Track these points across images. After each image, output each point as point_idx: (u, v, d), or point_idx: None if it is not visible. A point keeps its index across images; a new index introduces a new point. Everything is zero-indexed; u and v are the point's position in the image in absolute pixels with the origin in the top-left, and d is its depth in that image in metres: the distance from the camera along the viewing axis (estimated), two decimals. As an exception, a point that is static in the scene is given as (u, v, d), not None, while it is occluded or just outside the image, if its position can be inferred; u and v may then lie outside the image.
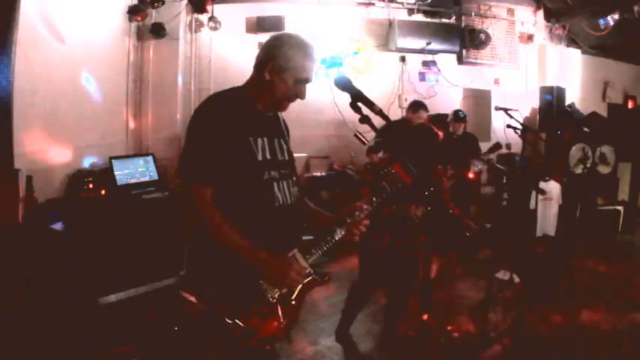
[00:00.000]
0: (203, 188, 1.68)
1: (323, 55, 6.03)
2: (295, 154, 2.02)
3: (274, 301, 1.76)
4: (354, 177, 5.85)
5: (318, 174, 6.08)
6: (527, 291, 4.30)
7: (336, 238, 1.90)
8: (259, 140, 1.78)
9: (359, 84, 1.82)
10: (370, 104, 1.79)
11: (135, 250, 3.73)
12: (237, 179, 1.72)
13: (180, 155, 1.74)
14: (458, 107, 6.21)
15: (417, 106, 4.26)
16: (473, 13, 6.96)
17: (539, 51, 7.53)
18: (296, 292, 1.83)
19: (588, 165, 6.48)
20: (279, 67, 1.74)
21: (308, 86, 1.82)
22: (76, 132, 4.03)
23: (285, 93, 1.78)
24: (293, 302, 1.83)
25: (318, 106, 5.95)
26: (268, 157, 1.80)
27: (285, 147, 1.92)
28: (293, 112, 1.95)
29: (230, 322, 1.69)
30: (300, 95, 1.80)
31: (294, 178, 1.94)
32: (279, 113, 1.93)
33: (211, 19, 5.79)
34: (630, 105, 8.28)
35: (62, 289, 2.93)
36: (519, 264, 4.64)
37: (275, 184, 1.81)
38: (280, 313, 1.78)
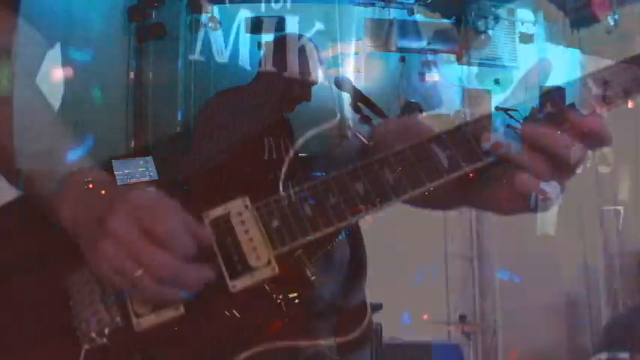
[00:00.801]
0: None
1: (323, 55, 6.03)
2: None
3: (279, 301, 1.75)
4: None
5: (318, 174, 6.08)
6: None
7: (339, 239, 1.89)
8: (265, 140, 1.78)
9: (359, 84, 1.82)
10: (370, 104, 1.78)
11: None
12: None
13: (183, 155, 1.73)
14: (458, 107, 6.21)
15: (411, 107, 4.27)
16: (473, 13, 6.96)
17: (539, 51, 7.53)
18: (298, 292, 1.83)
19: (588, 165, 6.48)
20: (282, 69, 1.74)
21: (308, 87, 1.82)
22: (75, 132, 4.03)
23: (290, 94, 1.77)
24: (296, 301, 1.82)
25: (318, 107, 5.95)
26: (274, 157, 1.80)
27: (290, 147, 1.91)
28: (292, 113, 1.95)
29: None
30: (305, 97, 1.80)
31: (300, 178, 1.93)
32: (284, 114, 1.93)
33: (211, 19, 5.79)
34: (630, 105, 8.29)
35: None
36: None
37: (280, 184, 1.80)
38: (284, 312, 1.77)
